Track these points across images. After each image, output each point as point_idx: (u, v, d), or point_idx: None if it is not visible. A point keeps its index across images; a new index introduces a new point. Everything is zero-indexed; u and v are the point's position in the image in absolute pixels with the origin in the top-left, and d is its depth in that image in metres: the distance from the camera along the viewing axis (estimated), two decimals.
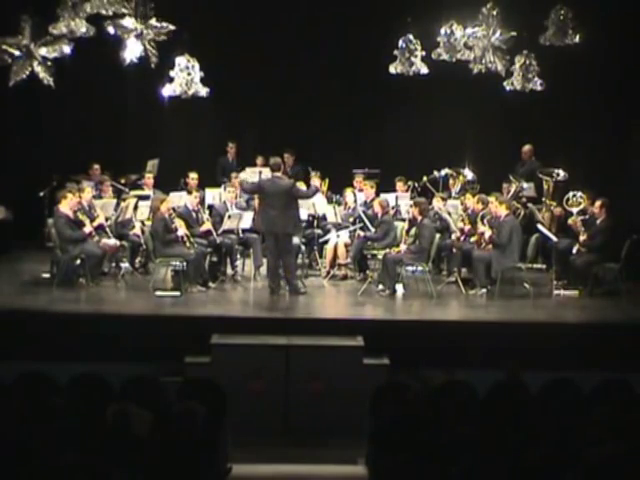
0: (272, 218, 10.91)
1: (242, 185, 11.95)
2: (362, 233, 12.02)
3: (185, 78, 12.18)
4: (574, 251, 11.52)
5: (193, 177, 12.81)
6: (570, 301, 11.20)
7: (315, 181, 12.60)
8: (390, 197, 12.51)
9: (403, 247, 11.47)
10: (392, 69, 12.77)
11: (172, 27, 11.93)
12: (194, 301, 10.80)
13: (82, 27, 11.54)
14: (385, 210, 11.93)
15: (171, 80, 12.31)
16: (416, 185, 13.19)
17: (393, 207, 12.41)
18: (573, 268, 11.45)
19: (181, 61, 12.24)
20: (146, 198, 12.27)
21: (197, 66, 12.27)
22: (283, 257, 11.03)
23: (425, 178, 13.24)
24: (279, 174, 11.29)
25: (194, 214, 11.81)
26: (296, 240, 11.57)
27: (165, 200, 11.47)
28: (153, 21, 11.89)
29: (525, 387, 7.58)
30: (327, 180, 12.93)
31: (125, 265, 11.90)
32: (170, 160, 13.85)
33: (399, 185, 13.01)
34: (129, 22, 11.79)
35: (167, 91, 12.30)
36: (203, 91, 12.32)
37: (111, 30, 11.77)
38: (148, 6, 11.81)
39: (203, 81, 12.36)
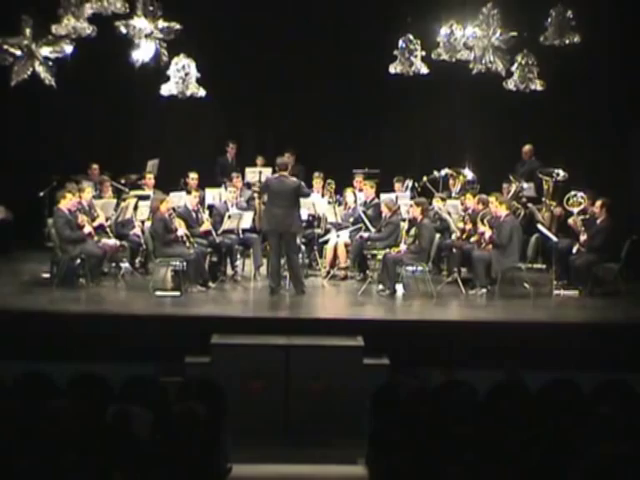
0: (277, 217, 10.92)
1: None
2: (366, 234, 12.02)
3: (181, 78, 12.16)
4: (574, 251, 11.52)
5: (193, 177, 12.81)
6: (570, 301, 11.21)
7: (317, 183, 12.62)
8: (390, 197, 12.51)
9: (403, 247, 11.47)
10: (392, 69, 12.76)
11: (178, 26, 11.92)
12: (194, 301, 10.80)
13: (84, 27, 11.53)
14: (392, 211, 11.94)
15: (168, 79, 12.30)
16: (416, 185, 13.20)
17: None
18: (573, 268, 11.45)
19: (177, 61, 12.23)
20: (146, 198, 12.27)
21: (193, 66, 12.25)
22: (288, 256, 11.04)
23: (425, 178, 13.26)
24: (285, 173, 11.30)
25: (194, 214, 11.81)
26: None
27: (165, 200, 11.48)
28: (161, 21, 11.89)
29: (525, 387, 7.59)
30: (332, 184, 12.92)
31: (125, 265, 11.90)
32: (170, 160, 13.85)
33: (397, 186, 13.01)
34: (140, 22, 11.79)
35: (164, 91, 12.29)
36: (199, 91, 12.31)
37: (123, 30, 11.77)
38: (156, 6, 11.81)
39: (201, 81, 12.35)
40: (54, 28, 11.58)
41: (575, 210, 11.80)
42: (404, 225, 11.92)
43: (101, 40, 11.92)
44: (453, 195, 13.09)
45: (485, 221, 11.54)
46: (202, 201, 12.38)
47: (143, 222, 12.06)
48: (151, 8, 11.78)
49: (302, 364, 9.26)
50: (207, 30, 13.23)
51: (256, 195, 12.87)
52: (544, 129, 13.76)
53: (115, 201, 12.43)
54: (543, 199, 12.71)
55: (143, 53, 11.92)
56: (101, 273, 11.53)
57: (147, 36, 11.83)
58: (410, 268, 11.39)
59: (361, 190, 12.87)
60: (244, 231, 11.99)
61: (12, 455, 5.76)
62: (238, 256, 12.08)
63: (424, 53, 12.67)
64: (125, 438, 6.06)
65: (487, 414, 6.90)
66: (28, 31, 11.74)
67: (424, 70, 12.70)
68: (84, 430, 6.15)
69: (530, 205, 12.63)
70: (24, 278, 11.76)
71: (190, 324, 10.00)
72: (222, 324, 9.77)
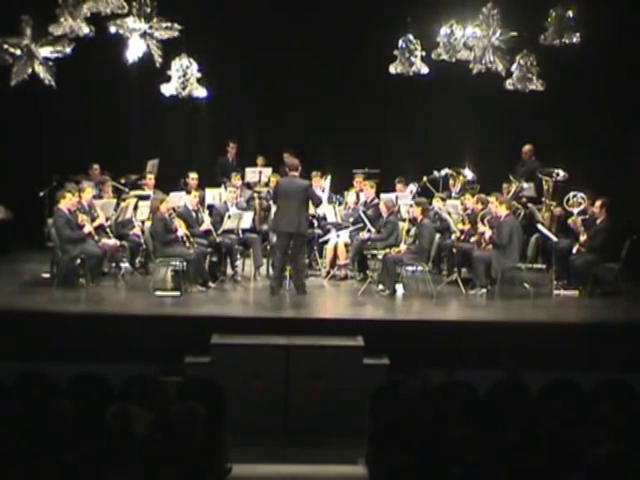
0: (289, 217, 10.89)
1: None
2: (367, 235, 12.02)
3: (181, 78, 12.15)
4: (574, 251, 11.53)
5: (193, 177, 12.82)
6: (570, 301, 11.21)
7: (316, 181, 12.61)
8: (390, 197, 12.51)
9: (403, 247, 11.47)
10: (392, 69, 12.75)
11: (178, 27, 11.90)
12: (194, 301, 10.79)
13: (82, 27, 11.53)
14: (391, 210, 11.94)
15: (168, 79, 12.30)
16: (417, 187, 13.18)
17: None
18: (573, 268, 11.45)
19: (178, 61, 12.23)
20: (146, 198, 12.26)
21: (194, 66, 12.25)
22: (294, 257, 11.03)
23: (425, 178, 13.26)
24: (296, 174, 11.28)
25: (194, 214, 11.81)
26: None
27: (165, 200, 11.48)
28: (156, 21, 11.88)
29: (525, 387, 7.59)
30: (328, 177, 12.91)
31: (125, 265, 11.89)
32: (170, 160, 13.85)
33: (399, 187, 13.02)
34: (132, 21, 11.78)
35: (164, 91, 12.29)
36: (199, 91, 12.30)
37: (113, 29, 11.76)
38: (151, 5, 11.80)
39: (201, 81, 12.35)
40: (51, 28, 11.58)
41: (575, 210, 11.80)
42: (404, 225, 11.93)
43: (101, 40, 11.92)
44: (453, 195, 13.09)
45: (485, 221, 11.54)
46: (202, 201, 12.38)
47: (143, 222, 12.06)
48: (147, 8, 11.76)
49: (302, 364, 9.26)
50: (207, 30, 13.21)
51: (256, 195, 12.89)
52: (544, 129, 13.76)
53: (115, 201, 12.43)
54: (543, 199, 12.71)
55: (133, 52, 11.90)
56: (101, 273, 11.53)
57: (142, 36, 11.82)
58: (410, 268, 11.39)
59: (361, 190, 12.87)
60: (244, 231, 11.99)
61: (12, 455, 5.76)
62: (238, 256, 12.07)
63: (424, 53, 12.67)
64: (125, 438, 6.06)
65: (487, 414, 6.90)
66: (28, 31, 11.73)
67: (424, 70, 12.70)
68: (84, 430, 6.15)
69: (530, 205, 12.64)
70: (24, 278, 11.75)
71: (190, 324, 10.00)
72: (222, 324, 9.77)
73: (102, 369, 7.75)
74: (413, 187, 13.15)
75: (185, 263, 11.06)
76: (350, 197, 12.89)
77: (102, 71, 13.20)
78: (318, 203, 11.55)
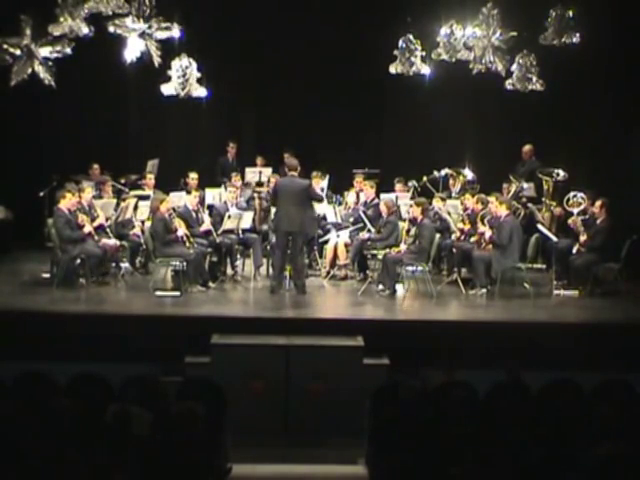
0: (289, 216, 10.93)
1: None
2: (367, 235, 12.02)
3: (181, 78, 12.16)
4: (574, 251, 11.53)
5: (193, 177, 12.82)
6: (570, 301, 11.21)
7: (317, 182, 12.63)
8: (390, 197, 12.51)
9: (403, 247, 11.47)
10: (392, 69, 12.77)
11: (178, 27, 11.89)
12: (194, 301, 10.80)
13: (82, 27, 11.53)
14: (391, 210, 11.95)
15: (168, 79, 12.30)
16: (416, 186, 13.19)
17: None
18: (573, 268, 11.46)
19: (177, 61, 12.23)
20: (146, 198, 12.27)
21: (194, 66, 12.24)
22: (294, 256, 11.04)
23: (425, 178, 13.26)
24: (295, 174, 11.29)
25: (194, 214, 11.81)
26: None
27: (165, 200, 11.48)
28: (154, 21, 11.88)
29: (525, 387, 7.59)
30: (326, 177, 12.92)
31: (125, 265, 11.89)
32: (170, 160, 13.85)
33: (398, 187, 13.02)
34: (131, 21, 11.78)
35: (164, 91, 12.28)
36: (199, 91, 12.30)
37: (112, 29, 11.76)
38: (150, 5, 11.79)
39: (201, 81, 12.36)
40: (51, 28, 11.58)
41: (575, 210, 11.80)
42: (404, 225, 11.93)
43: (100, 40, 11.93)
44: (453, 195, 13.10)
45: (485, 221, 11.54)
46: (202, 201, 12.38)
47: (143, 222, 12.07)
48: (145, 8, 11.76)
49: (302, 364, 9.26)
50: (207, 30, 13.22)
51: (256, 195, 12.89)
52: (544, 129, 13.76)
53: (115, 201, 12.43)
54: (543, 199, 12.71)
55: (131, 52, 11.90)
56: (101, 273, 11.53)
57: (141, 36, 11.82)
58: (410, 268, 11.38)
59: (361, 190, 12.87)
60: (244, 231, 11.99)
61: (12, 455, 5.75)
62: (238, 256, 12.08)
63: (424, 53, 12.67)
64: (125, 438, 6.05)
65: (487, 414, 6.90)
66: (28, 31, 11.74)
67: (424, 70, 12.71)
68: (84, 430, 6.15)
69: (530, 205, 12.64)
70: (24, 278, 11.75)
71: (190, 324, 10.00)
72: (222, 324, 9.77)
73: (102, 369, 7.75)
74: (412, 183, 13.16)
75: (185, 263, 11.07)
76: (350, 197, 12.90)
77: (102, 71, 13.21)
78: (320, 199, 11.64)
